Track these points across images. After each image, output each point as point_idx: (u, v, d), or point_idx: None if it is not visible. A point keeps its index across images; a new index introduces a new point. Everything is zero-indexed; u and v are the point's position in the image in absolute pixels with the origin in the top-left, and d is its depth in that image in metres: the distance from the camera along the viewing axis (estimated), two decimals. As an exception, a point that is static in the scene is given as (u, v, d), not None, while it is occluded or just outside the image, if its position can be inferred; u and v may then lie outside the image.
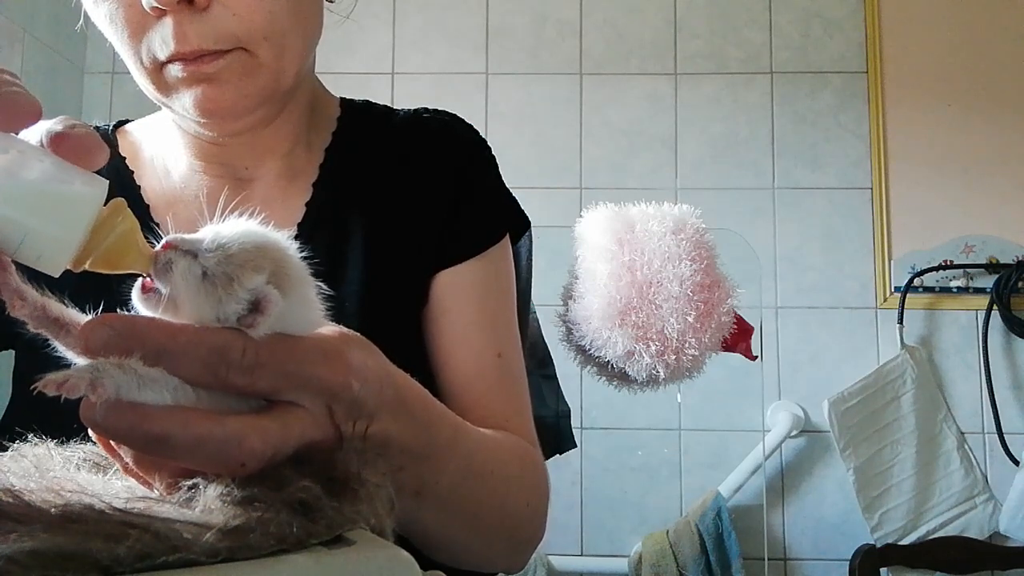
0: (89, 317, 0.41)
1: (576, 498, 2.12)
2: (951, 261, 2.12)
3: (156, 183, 0.76)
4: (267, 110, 0.69)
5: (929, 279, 2.12)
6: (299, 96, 0.74)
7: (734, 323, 1.21)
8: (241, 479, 0.38)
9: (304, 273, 0.44)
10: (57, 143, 0.38)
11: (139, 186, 0.75)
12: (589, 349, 1.21)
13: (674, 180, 2.20)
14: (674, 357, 1.15)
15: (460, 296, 0.75)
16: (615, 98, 2.23)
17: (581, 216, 1.27)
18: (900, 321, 2.07)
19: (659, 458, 2.12)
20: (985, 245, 2.12)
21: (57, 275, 0.38)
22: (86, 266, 0.39)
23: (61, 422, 0.43)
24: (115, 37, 0.64)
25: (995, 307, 2.07)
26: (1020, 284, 2.07)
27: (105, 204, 0.39)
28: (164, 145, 0.77)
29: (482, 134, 0.83)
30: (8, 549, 0.29)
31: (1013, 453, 2.02)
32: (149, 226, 0.40)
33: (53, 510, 0.32)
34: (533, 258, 1.04)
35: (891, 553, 1.96)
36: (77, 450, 0.44)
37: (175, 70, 0.63)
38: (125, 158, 0.77)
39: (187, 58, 0.62)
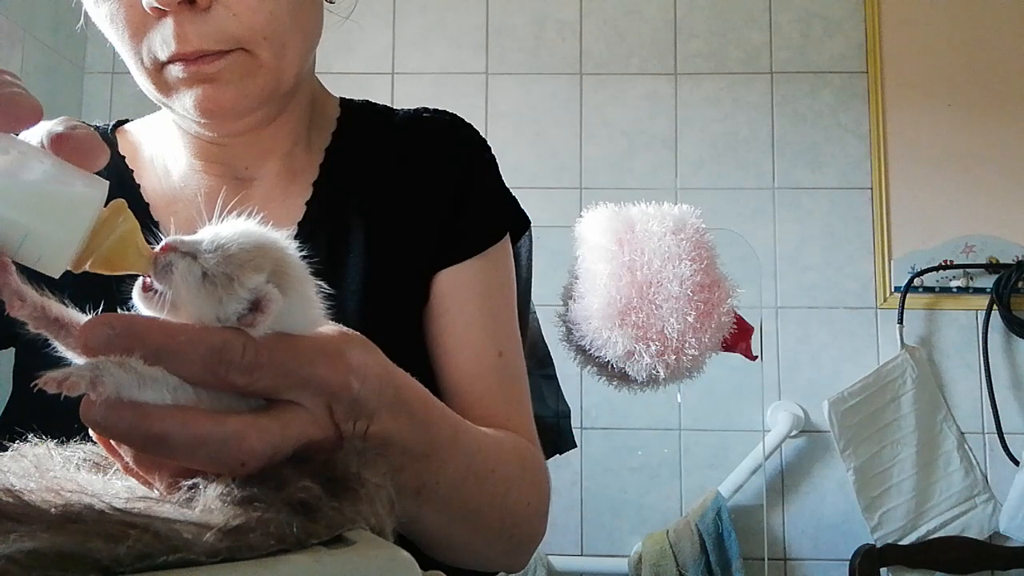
0: (89, 317, 0.41)
1: (576, 498, 2.12)
2: (951, 261, 2.12)
3: (155, 182, 0.76)
4: (267, 110, 0.69)
5: (929, 279, 2.12)
6: (299, 96, 0.74)
7: (734, 323, 1.21)
8: (241, 479, 0.38)
9: (304, 272, 0.44)
10: (58, 144, 0.38)
11: (138, 185, 0.75)
12: (589, 349, 1.21)
13: (674, 180, 2.20)
14: (674, 357, 1.15)
15: (460, 296, 0.75)
16: (615, 98, 2.23)
17: (581, 216, 1.27)
18: (900, 321, 2.07)
19: (659, 458, 2.12)
20: (985, 245, 2.12)
21: (57, 276, 0.38)
22: (86, 267, 0.39)
23: (61, 422, 0.43)
24: (116, 37, 0.64)
25: (995, 307, 2.07)
26: (1020, 284, 2.07)
27: (106, 205, 0.39)
28: (164, 144, 0.77)
29: (482, 134, 0.83)
30: (8, 549, 0.29)
31: (1013, 453, 2.02)
32: (148, 225, 0.40)
33: (53, 510, 0.32)
34: (533, 258, 1.04)
35: (891, 553, 1.96)
36: (77, 450, 0.44)
37: (176, 70, 0.63)
38: (124, 157, 0.77)
39: (188, 58, 0.62)
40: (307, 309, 0.44)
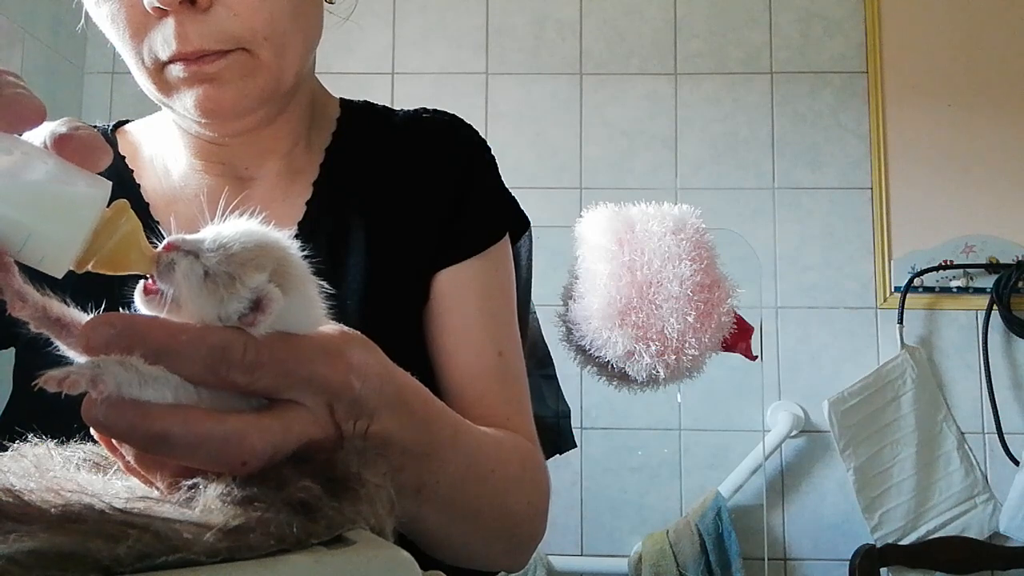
0: (90, 317, 0.42)
1: (576, 498, 2.12)
2: (951, 261, 2.12)
3: (156, 182, 0.76)
4: (268, 110, 0.69)
5: (929, 279, 2.12)
6: (299, 96, 0.74)
7: (734, 323, 1.21)
8: (241, 479, 0.38)
9: (305, 272, 0.44)
10: (61, 145, 0.38)
11: (139, 185, 0.75)
12: (589, 349, 1.21)
13: (674, 180, 2.20)
14: (674, 357, 1.15)
15: (460, 295, 0.75)
16: (615, 98, 2.23)
17: (581, 216, 1.27)
18: (900, 321, 2.07)
19: (659, 458, 2.12)
20: (985, 245, 2.12)
21: (60, 276, 0.39)
22: (89, 267, 0.39)
23: (61, 421, 0.43)
24: (116, 37, 0.64)
25: (995, 307, 2.07)
26: (1020, 284, 2.07)
27: (108, 205, 0.39)
28: (164, 144, 0.77)
29: (482, 134, 0.83)
30: (8, 549, 0.29)
31: (1013, 453, 2.02)
32: (148, 225, 0.40)
33: (53, 510, 0.33)
34: (533, 258, 1.04)
35: (891, 553, 1.96)
36: (77, 450, 0.44)
37: (176, 70, 0.63)
38: (125, 157, 0.77)
39: (188, 58, 0.62)
40: (308, 309, 0.44)
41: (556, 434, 1.24)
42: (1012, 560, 1.95)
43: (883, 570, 1.96)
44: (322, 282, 0.45)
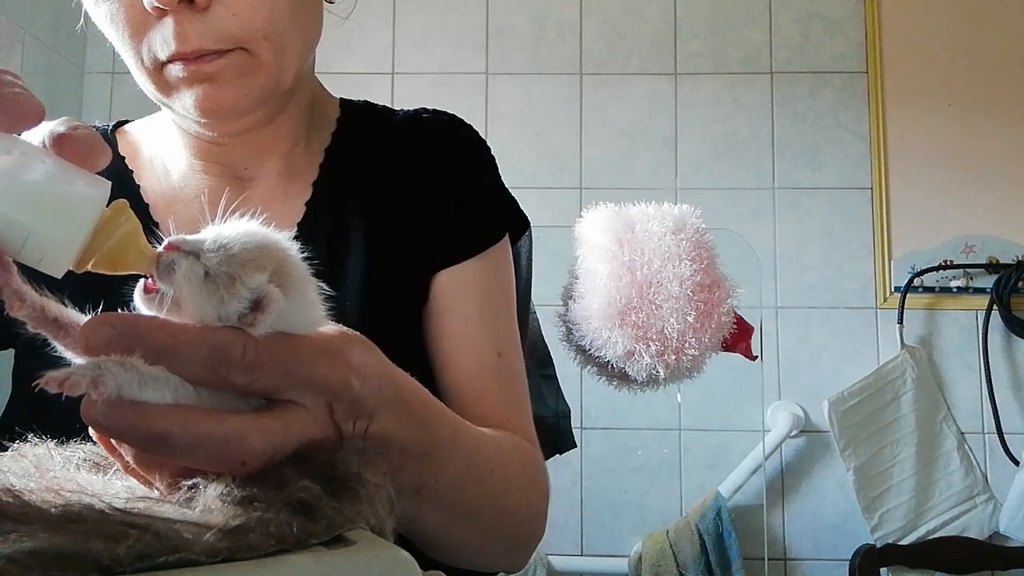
0: (89, 317, 0.41)
1: (576, 498, 2.12)
2: (951, 261, 2.12)
3: (155, 182, 0.76)
4: (267, 110, 0.69)
5: (929, 279, 2.12)
6: (299, 96, 0.74)
7: (734, 323, 1.21)
8: (241, 479, 0.38)
9: (305, 272, 0.44)
10: (60, 144, 0.38)
11: (138, 185, 0.75)
12: (589, 349, 1.21)
13: (674, 180, 2.20)
14: (674, 357, 1.15)
15: (460, 296, 0.75)
16: (615, 98, 2.23)
17: (581, 216, 1.27)
18: (900, 321, 2.07)
19: (659, 458, 2.12)
20: (985, 245, 2.12)
21: (59, 276, 0.39)
22: (88, 267, 0.39)
23: (61, 422, 0.43)
24: (116, 37, 0.64)
25: (995, 307, 2.07)
26: (1020, 284, 2.07)
27: (108, 205, 0.39)
28: (163, 145, 0.77)
29: (482, 134, 0.83)
30: (8, 549, 0.29)
31: (1013, 453, 2.02)
32: (148, 226, 0.40)
33: (53, 510, 0.32)
34: (533, 258, 1.04)
35: (891, 553, 1.96)
36: (77, 450, 0.44)
37: (176, 70, 0.63)
38: (124, 158, 0.77)
39: (188, 58, 0.62)
40: (308, 309, 0.44)
41: (556, 434, 1.24)
42: (1012, 560, 1.95)
43: (883, 570, 1.96)
44: (321, 283, 0.45)
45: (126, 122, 0.82)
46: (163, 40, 0.62)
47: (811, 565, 2.09)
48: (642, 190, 1.74)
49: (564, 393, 1.27)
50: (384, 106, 0.84)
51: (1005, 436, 2.03)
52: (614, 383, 1.26)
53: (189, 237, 0.41)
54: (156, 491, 0.41)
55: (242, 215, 0.43)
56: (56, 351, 0.43)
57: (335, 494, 0.38)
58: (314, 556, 0.35)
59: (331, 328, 0.46)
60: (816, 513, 2.10)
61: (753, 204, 2.18)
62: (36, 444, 0.43)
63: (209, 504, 0.36)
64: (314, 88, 0.79)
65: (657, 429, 2.12)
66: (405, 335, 0.74)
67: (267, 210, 0.46)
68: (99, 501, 0.34)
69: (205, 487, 0.37)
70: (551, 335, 1.26)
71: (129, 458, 0.41)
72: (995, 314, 2.07)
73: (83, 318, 0.42)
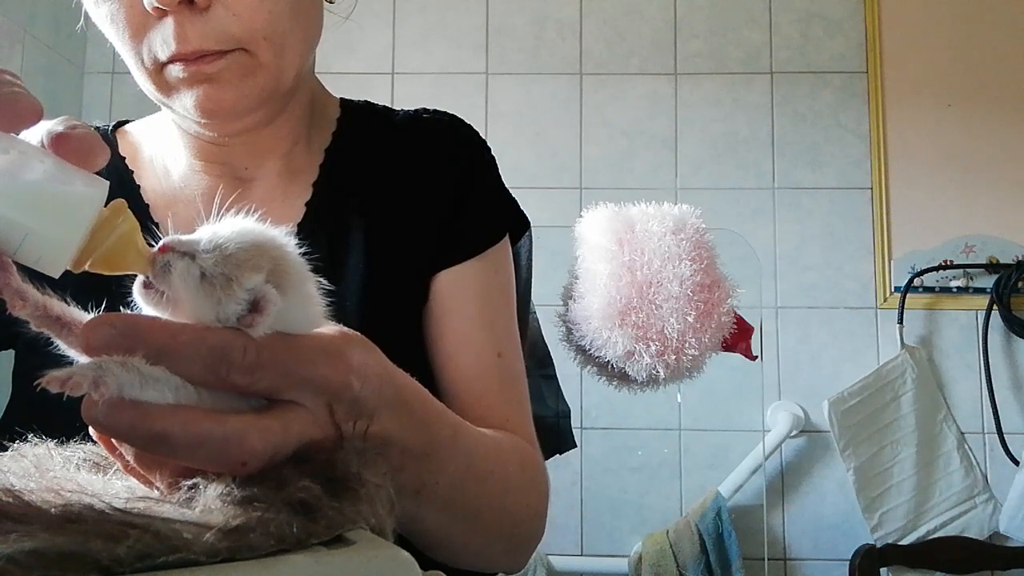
0: (91, 316, 0.41)
1: (576, 498, 2.12)
2: (951, 261, 2.12)
3: (156, 183, 0.76)
4: (267, 110, 0.69)
5: (929, 279, 2.12)
6: (299, 96, 0.74)
7: (734, 323, 1.21)
8: (241, 479, 0.38)
9: (303, 270, 0.43)
10: (58, 144, 0.38)
11: (139, 186, 0.75)
12: (589, 349, 1.21)
13: (674, 180, 2.20)
14: (674, 357, 1.15)
15: (460, 296, 0.75)
16: (615, 98, 2.23)
17: (581, 216, 1.27)
18: (900, 321, 2.07)
19: (659, 458, 2.12)
20: (985, 245, 2.12)
21: (57, 276, 0.38)
22: (86, 267, 0.39)
23: (61, 422, 0.43)
24: (116, 37, 0.64)
25: (995, 307, 2.07)
26: (1020, 284, 2.07)
27: (106, 205, 0.39)
28: (163, 145, 0.77)
29: (482, 134, 0.83)
30: (8, 549, 0.29)
31: (1013, 453, 2.02)
32: (148, 226, 0.40)
33: (53, 510, 0.32)
34: (533, 258, 1.04)
35: (891, 553, 1.96)
36: (77, 450, 0.44)
37: (176, 70, 0.63)
38: (125, 158, 0.77)
39: (188, 58, 0.62)
40: (307, 308, 0.44)
41: (556, 434, 1.24)
42: (1012, 560, 1.95)
43: (883, 570, 1.96)
44: (320, 279, 0.45)
45: (126, 122, 0.82)
46: (163, 40, 0.62)
47: (811, 565, 2.09)
48: (642, 190, 1.74)
49: (564, 393, 1.27)
50: (384, 106, 0.84)
51: (1005, 436, 2.03)
52: (614, 383, 1.26)
53: (184, 238, 0.41)
54: (156, 491, 0.41)
55: (240, 214, 0.43)
56: (57, 350, 0.43)
57: (335, 494, 0.38)
58: (314, 556, 0.35)
59: (331, 328, 0.46)
60: (816, 513, 2.10)
61: (753, 204, 2.18)
62: (36, 444, 0.43)
63: (209, 504, 0.36)
64: (314, 88, 0.79)
65: (657, 429, 2.12)
66: (405, 335, 0.74)
67: (267, 210, 0.46)
68: (99, 501, 0.34)
69: (205, 487, 0.37)
70: (551, 335, 1.26)
71: (129, 458, 0.41)
72: (995, 314, 2.07)
73: (86, 316, 0.42)
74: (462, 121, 0.83)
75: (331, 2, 0.77)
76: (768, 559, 2.03)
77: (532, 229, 0.91)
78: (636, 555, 1.97)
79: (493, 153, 0.83)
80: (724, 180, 2.19)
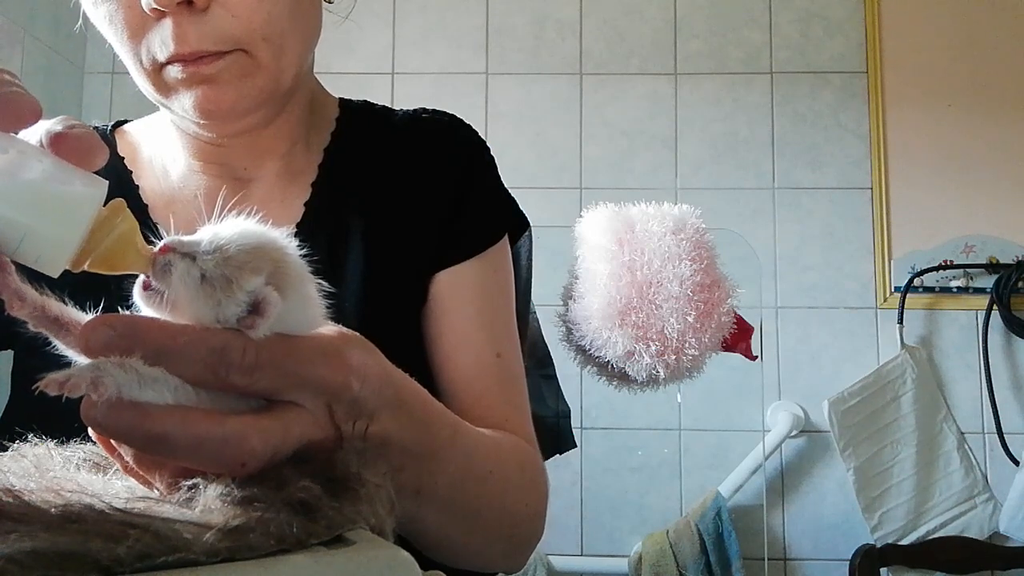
0: (89, 316, 0.41)
1: (576, 498, 2.12)
2: (951, 261, 2.12)
3: (155, 183, 0.76)
4: (266, 111, 0.69)
5: (929, 279, 2.12)
6: (298, 97, 0.74)
7: (734, 323, 1.21)
8: (241, 479, 0.38)
9: (304, 271, 0.43)
10: (57, 143, 0.38)
11: (137, 186, 0.75)
12: (589, 349, 1.21)
13: (674, 180, 2.20)
14: (674, 357, 1.15)
15: (459, 296, 0.75)
16: (615, 98, 2.23)
17: (581, 216, 1.27)
18: (900, 321, 2.08)
19: (659, 458, 2.12)
20: (985, 245, 2.12)
21: (56, 275, 0.38)
22: (85, 267, 0.39)
23: (61, 422, 0.43)
24: (114, 38, 0.64)
25: (995, 307, 2.07)
26: (1020, 284, 2.07)
27: (104, 205, 0.39)
28: (162, 145, 0.77)
29: (482, 134, 0.83)
30: (8, 549, 0.29)
31: (1013, 453, 2.02)
32: (147, 226, 0.40)
33: (53, 510, 0.32)
34: (533, 258, 1.04)
35: (891, 553, 1.96)
36: (77, 450, 0.44)
37: (174, 71, 0.63)
38: (124, 158, 0.77)
39: (186, 59, 0.62)
40: (307, 309, 0.43)
41: (556, 434, 1.24)
42: (1012, 560, 1.95)
43: (883, 570, 1.96)
44: (320, 280, 0.45)
45: (125, 122, 0.82)
46: (162, 42, 0.62)
47: (811, 565, 2.09)
48: (642, 190, 1.74)
49: (564, 393, 1.27)
50: (383, 106, 0.84)
51: (1005, 436, 2.03)
52: (614, 383, 1.26)
53: (185, 238, 0.41)
54: (156, 491, 0.41)
55: (240, 215, 0.43)
56: (56, 351, 0.43)
57: (335, 494, 0.38)
58: (314, 556, 0.35)
59: (330, 329, 0.46)
60: (816, 513, 2.10)
61: (753, 204, 2.18)
62: (36, 444, 0.43)
63: (209, 504, 0.36)
64: (313, 88, 0.79)
65: (657, 429, 2.12)
66: (405, 335, 0.74)
67: (266, 211, 0.46)
68: (99, 501, 0.34)
69: (205, 487, 0.37)
70: (551, 335, 1.26)
71: (129, 458, 0.41)
72: (995, 314, 2.07)
73: (84, 316, 0.42)
74: (461, 121, 0.83)
75: (330, 2, 0.77)
76: (768, 559, 2.03)
77: (532, 229, 0.91)
78: (636, 555, 1.97)
79: (493, 153, 0.83)
80: (724, 180, 2.19)
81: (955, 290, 2.12)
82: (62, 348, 0.43)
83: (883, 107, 2.17)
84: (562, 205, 2.11)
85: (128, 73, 0.67)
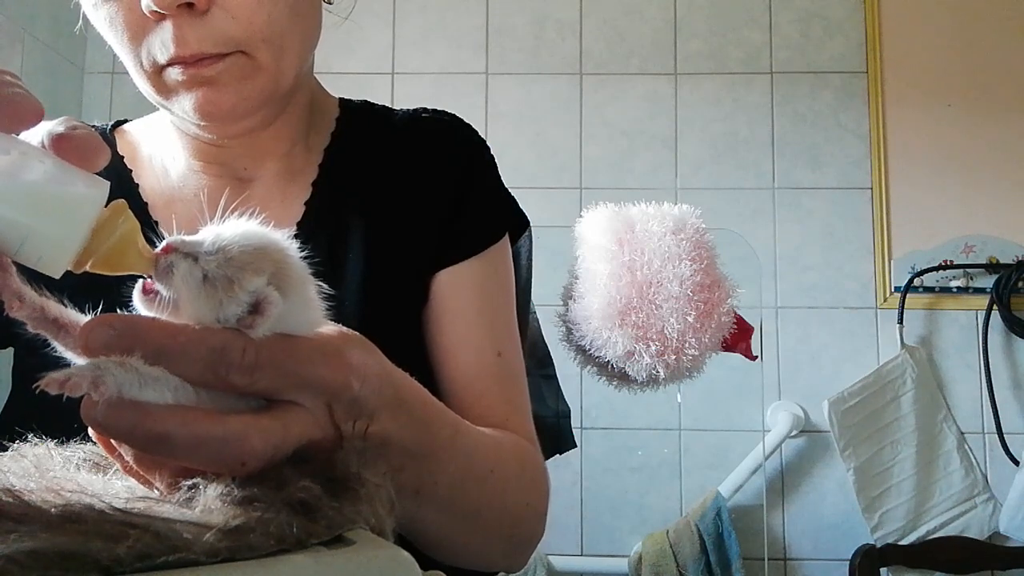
0: (88, 317, 0.41)
1: (576, 498, 2.12)
2: (951, 261, 2.12)
3: (154, 182, 0.76)
4: (267, 112, 0.69)
5: (929, 279, 2.12)
6: (298, 97, 0.74)
7: (734, 323, 1.21)
8: (241, 479, 0.38)
9: (305, 273, 0.44)
10: (59, 144, 0.38)
11: (137, 184, 0.75)
12: (589, 349, 1.21)
13: (674, 180, 2.20)
14: (674, 357, 1.15)
15: (460, 296, 0.75)
16: (615, 98, 2.23)
17: (581, 216, 1.27)
18: (900, 321, 2.08)
19: (659, 458, 2.12)
20: (985, 245, 2.12)
21: (58, 276, 0.38)
22: (87, 268, 0.39)
23: (61, 422, 0.43)
24: (114, 40, 0.64)
25: (995, 307, 2.07)
26: (1020, 284, 2.07)
27: (106, 206, 0.39)
28: (162, 144, 0.77)
29: (482, 134, 0.83)
30: (8, 549, 0.29)
31: (1013, 453, 2.02)
32: (147, 225, 0.40)
33: (53, 510, 0.32)
34: (533, 258, 1.04)
35: (891, 553, 1.96)
36: (77, 450, 0.44)
37: (175, 73, 0.63)
38: (123, 157, 0.77)
39: (187, 61, 0.62)
40: (307, 310, 0.44)
41: (556, 434, 1.24)
42: (1012, 560, 1.95)
43: (883, 570, 1.96)
44: (320, 283, 0.45)
45: (124, 122, 0.82)
46: (162, 44, 0.62)
47: (811, 565, 2.09)
48: (642, 190, 1.74)
49: (564, 393, 1.27)
50: (383, 106, 0.84)
51: (1005, 436, 2.03)
52: (614, 383, 1.26)
53: (188, 239, 0.41)
54: (156, 491, 0.41)
55: (241, 215, 0.43)
56: (56, 350, 0.43)
57: (335, 494, 0.38)
58: (314, 556, 0.35)
59: (330, 328, 0.46)
60: (816, 513, 2.10)
61: (753, 204, 2.18)
62: (36, 444, 0.43)
63: (209, 504, 0.36)
64: (313, 88, 0.79)
65: (657, 429, 2.12)
66: (405, 335, 0.74)
67: (266, 210, 0.46)
68: (99, 501, 0.34)
69: (205, 487, 0.37)
70: (551, 335, 1.26)
71: (129, 458, 0.41)
72: (995, 314, 2.07)
73: (83, 318, 0.42)
74: (461, 121, 0.83)
75: (330, 3, 0.77)
76: (768, 559, 2.03)
77: (532, 229, 0.91)
78: (636, 555, 1.97)
79: (493, 153, 0.83)
80: (724, 180, 2.19)
81: (955, 290, 2.12)
82: (61, 349, 0.43)
83: (883, 107, 2.17)
84: (562, 205, 2.11)
85: (128, 73, 0.67)
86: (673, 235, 1.17)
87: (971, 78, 2.17)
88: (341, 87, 0.85)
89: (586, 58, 2.24)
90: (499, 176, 0.83)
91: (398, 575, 0.36)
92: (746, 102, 2.21)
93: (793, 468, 2.12)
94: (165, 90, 0.65)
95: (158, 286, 0.40)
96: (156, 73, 0.64)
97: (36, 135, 0.39)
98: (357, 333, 0.47)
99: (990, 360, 2.07)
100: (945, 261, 2.12)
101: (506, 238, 0.80)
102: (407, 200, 0.77)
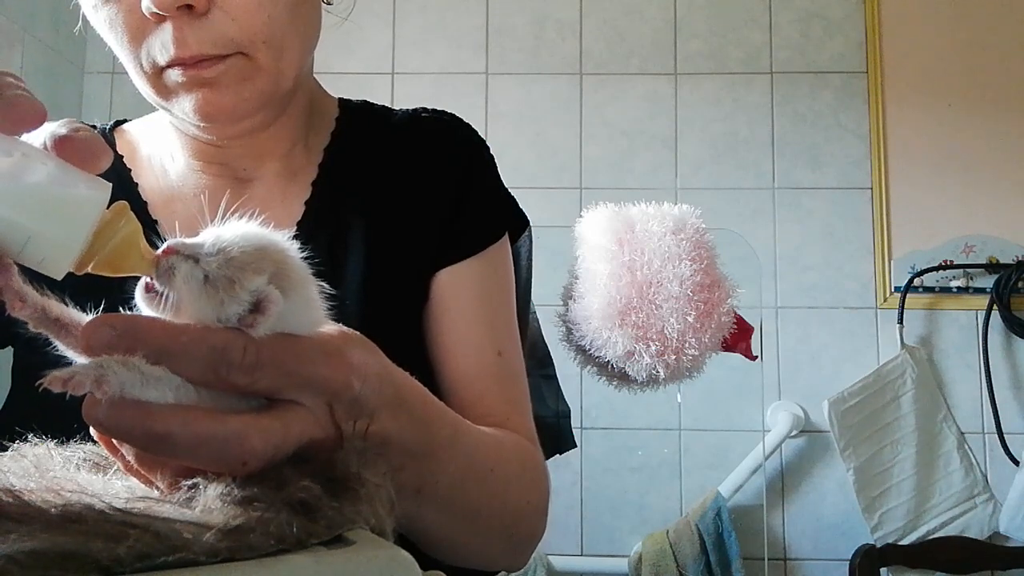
0: (90, 317, 0.42)
1: (576, 498, 2.12)
2: (951, 261, 2.12)
3: (153, 181, 0.76)
4: (266, 113, 0.69)
5: (929, 279, 2.12)
6: (298, 97, 0.74)
7: (734, 323, 1.21)
8: (241, 479, 0.38)
9: (305, 273, 0.44)
10: (61, 146, 0.38)
11: (136, 184, 0.75)
12: (589, 349, 1.21)
13: (674, 180, 2.20)
14: (674, 357, 1.15)
15: (460, 295, 0.75)
16: (615, 98, 2.23)
17: (581, 216, 1.27)
18: (900, 321, 2.08)
19: (659, 458, 2.12)
20: (985, 245, 2.12)
21: (60, 278, 0.39)
22: (88, 269, 0.39)
23: (61, 421, 0.43)
24: (115, 42, 0.64)
25: (995, 307, 2.07)
26: (1020, 284, 2.07)
27: (108, 207, 0.39)
28: (161, 144, 0.77)
29: (482, 134, 0.83)
30: (8, 549, 0.29)
31: (1013, 453, 2.02)
32: (146, 224, 0.41)
33: (53, 510, 0.33)
34: (533, 258, 1.04)
35: (891, 553, 1.96)
36: (77, 450, 0.44)
37: (175, 75, 0.63)
38: (123, 156, 0.77)
39: (187, 63, 0.62)
40: (308, 310, 0.44)
41: (556, 434, 1.24)
42: (1012, 560, 1.95)
43: (883, 570, 1.96)
44: (322, 283, 0.45)
45: (124, 122, 0.82)
46: (162, 45, 0.62)
47: (811, 565, 2.09)
48: (642, 190, 1.74)
49: (564, 393, 1.27)
50: (383, 106, 0.84)
51: (1005, 436, 2.03)
52: (614, 383, 1.26)
53: (188, 240, 0.41)
54: (156, 491, 0.41)
55: (241, 215, 0.43)
56: (56, 350, 0.43)
57: (335, 494, 0.38)
58: (314, 556, 0.35)
59: (331, 328, 0.46)
60: (816, 513, 2.10)
61: (753, 204, 2.18)
62: (36, 444, 0.43)
63: (209, 504, 0.36)
64: (313, 89, 0.79)
65: (657, 429, 2.12)
66: (405, 335, 0.74)
67: (266, 210, 0.46)
68: (99, 501, 0.34)
69: (205, 487, 0.37)
70: (551, 335, 1.26)
71: (130, 458, 0.41)
72: (995, 314, 2.07)
73: (84, 317, 0.42)
74: (461, 120, 0.83)
75: (329, 3, 0.77)
76: (768, 559, 2.03)
77: (532, 229, 0.91)
78: (636, 555, 1.97)
79: (493, 153, 0.83)
80: (724, 180, 2.19)
81: (955, 290, 2.12)
82: (63, 349, 0.43)
83: (883, 107, 2.17)
84: (562, 205, 2.11)
85: (128, 73, 0.67)
86: (673, 235, 1.17)
87: (971, 78, 2.17)
88: (341, 87, 0.85)
89: (586, 58, 2.24)
90: (499, 176, 0.83)
91: (398, 575, 0.36)
92: (746, 102, 2.21)
93: (793, 468, 2.12)
94: (165, 91, 0.65)
95: (159, 287, 0.40)
96: (156, 75, 0.64)
97: (38, 137, 0.39)
98: (358, 333, 0.47)
99: (990, 360, 2.07)
100: (945, 261, 2.12)
101: (506, 238, 0.81)
102: (407, 200, 0.77)
